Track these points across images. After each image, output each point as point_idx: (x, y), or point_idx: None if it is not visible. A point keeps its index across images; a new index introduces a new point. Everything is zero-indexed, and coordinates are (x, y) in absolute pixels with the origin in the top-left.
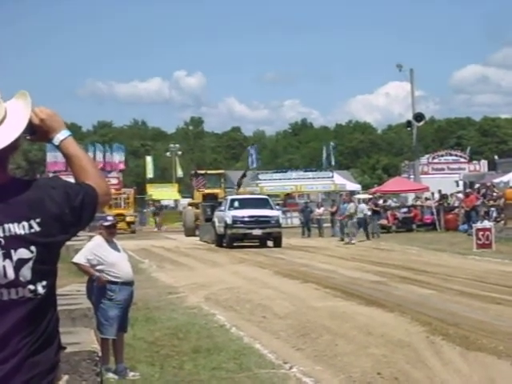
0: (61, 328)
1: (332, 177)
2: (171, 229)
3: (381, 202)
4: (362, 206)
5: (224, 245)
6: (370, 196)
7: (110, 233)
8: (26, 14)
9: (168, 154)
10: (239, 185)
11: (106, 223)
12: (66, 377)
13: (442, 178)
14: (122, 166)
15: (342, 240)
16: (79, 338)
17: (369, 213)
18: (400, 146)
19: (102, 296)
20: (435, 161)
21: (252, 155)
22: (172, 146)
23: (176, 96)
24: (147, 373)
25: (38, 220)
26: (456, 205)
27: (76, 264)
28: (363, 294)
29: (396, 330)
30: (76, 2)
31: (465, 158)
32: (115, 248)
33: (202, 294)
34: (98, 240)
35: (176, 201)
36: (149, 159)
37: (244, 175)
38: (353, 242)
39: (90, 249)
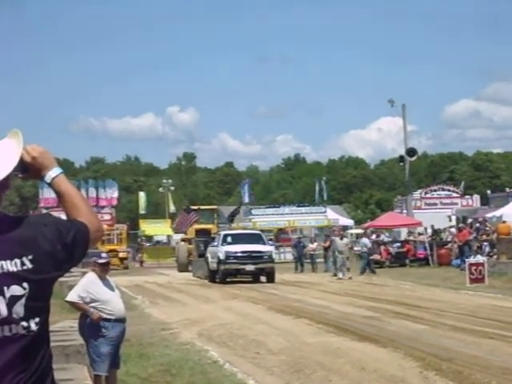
0: (54, 364)
1: (325, 212)
2: (165, 264)
3: (374, 236)
4: (365, 240)
5: (217, 280)
6: (363, 231)
7: (104, 270)
8: (17, 48)
9: (161, 189)
10: (232, 218)
11: (101, 261)
12: None
13: (434, 212)
14: (114, 202)
15: (335, 275)
16: (73, 375)
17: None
18: (393, 181)
19: (94, 332)
20: (428, 196)
21: (245, 190)
22: (165, 181)
23: (169, 132)
24: None
25: (30, 257)
26: (449, 240)
27: (69, 302)
28: (356, 330)
29: (389, 365)
30: (69, 37)
31: (457, 193)
32: (108, 285)
33: (195, 330)
34: (91, 277)
35: (169, 236)
36: (141, 195)
37: (237, 211)
38: (346, 277)
39: (83, 286)
